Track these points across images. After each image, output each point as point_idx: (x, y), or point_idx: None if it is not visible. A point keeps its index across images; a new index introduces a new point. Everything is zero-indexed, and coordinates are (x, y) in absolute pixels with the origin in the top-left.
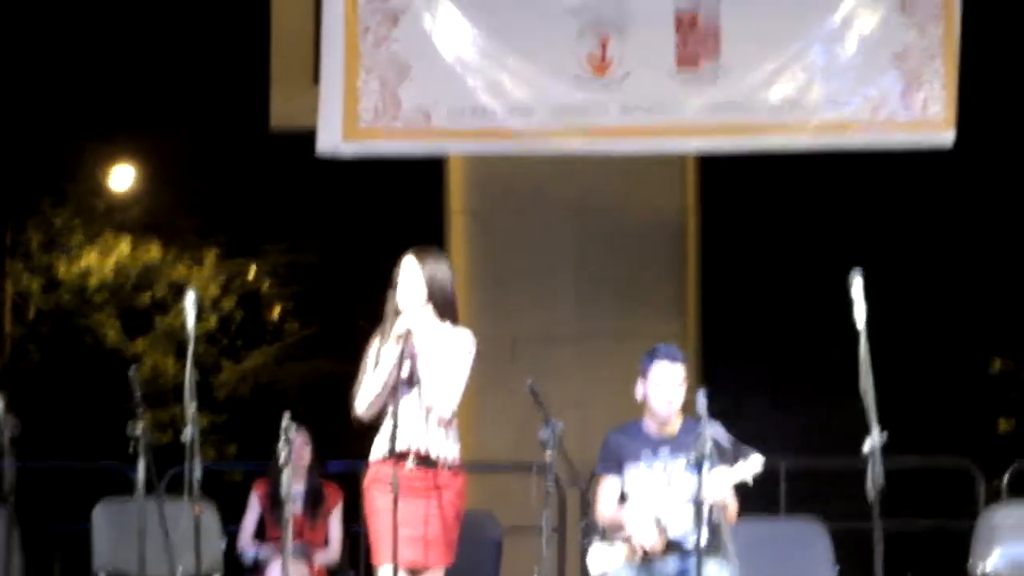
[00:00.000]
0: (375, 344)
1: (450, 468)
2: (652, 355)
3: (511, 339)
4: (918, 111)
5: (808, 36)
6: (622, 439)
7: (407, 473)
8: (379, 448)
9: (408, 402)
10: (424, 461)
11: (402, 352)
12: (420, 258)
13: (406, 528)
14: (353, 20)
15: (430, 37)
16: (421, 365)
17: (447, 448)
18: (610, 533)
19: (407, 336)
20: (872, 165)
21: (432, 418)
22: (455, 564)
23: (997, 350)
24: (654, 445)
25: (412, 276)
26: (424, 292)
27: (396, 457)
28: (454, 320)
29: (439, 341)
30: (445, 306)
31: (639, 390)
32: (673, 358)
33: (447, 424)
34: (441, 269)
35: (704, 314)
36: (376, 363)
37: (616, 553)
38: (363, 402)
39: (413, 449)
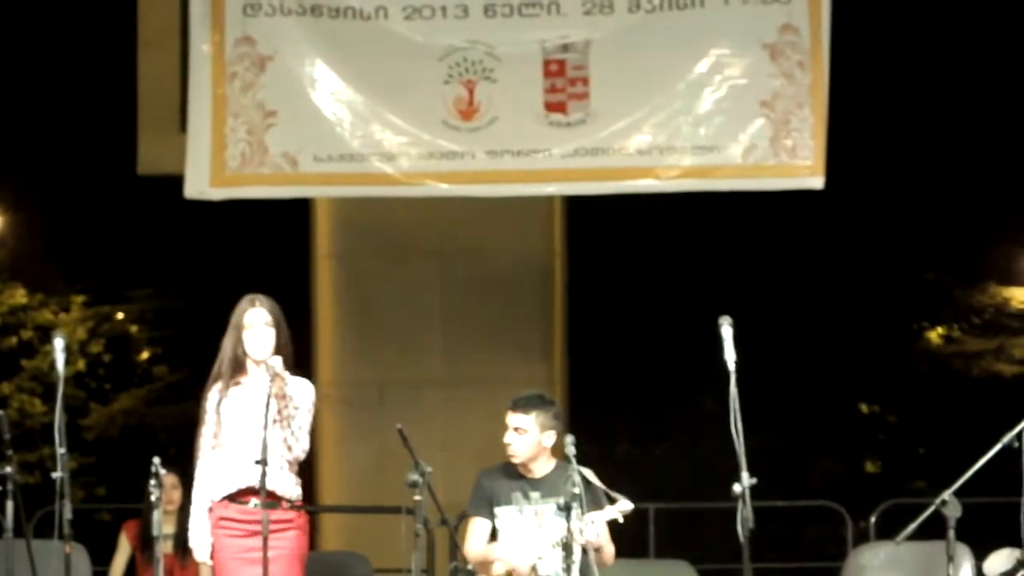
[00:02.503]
0: (215, 388)
1: (292, 506)
2: None
3: (378, 384)
4: (787, 157)
5: (677, 82)
6: (494, 481)
7: (251, 511)
8: (220, 487)
9: (267, 441)
10: (269, 500)
11: (270, 393)
12: (268, 308)
13: (252, 567)
14: (220, 65)
15: (297, 83)
16: (286, 406)
17: (291, 488)
18: (479, 571)
19: (275, 378)
20: (740, 208)
21: (289, 458)
22: None
23: (863, 394)
24: (525, 488)
25: (262, 325)
26: (273, 342)
27: (241, 496)
28: (291, 370)
29: (292, 387)
30: (288, 356)
31: None
32: (512, 406)
33: (292, 465)
34: (283, 320)
35: (571, 358)
36: (218, 409)
37: None
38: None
39: (259, 487)
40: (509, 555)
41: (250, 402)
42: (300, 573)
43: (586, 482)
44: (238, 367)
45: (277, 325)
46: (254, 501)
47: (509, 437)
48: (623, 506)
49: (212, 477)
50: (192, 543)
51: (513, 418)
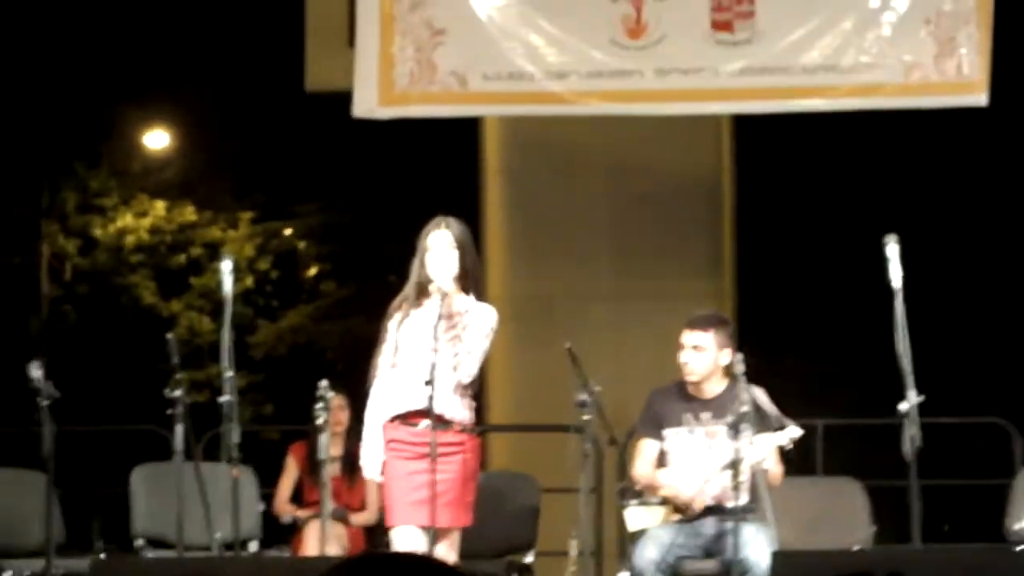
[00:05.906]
0: (400, 309)
1: (464, 430)
2: None
3: (547, 298)
4: (952, 74)
5: (842, 1)
6: (664, 402)
7: (420, 433)
8: (390, 409)
9: (435, 362)
10: (439, 422)
11: (440, 314)
12: (454, 231)
13: (421, 490)
14: None
15: (465, 1)
16: (454, 328)
17: (461, 411)
18: (646, 494)
19: (444, 298)
20: (908, 124)
21: (454, 380)
22: (493, 525)
23: None
24: (696, 409)
25: (445, 247)
26: (456, 265)
27: (411, 418)
28: (478, 295)
29: (466, 311)
30: (473, 281)
31: None
32: (690, 324)
33: (464, 389)
34: (471, 243)
35: (740, 274)
36: (404, 332)
37: (654, 513)
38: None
39: (427, 408)
40: (675, 483)
41: (428, 325)
42: (470, 496)
43: (755, 403)
44: (422, 290)
45: (462, 248)
46: (424, 423)
47: (686, 356)
48: (792, 432)
49: (385, 398)
50: (363, 460)
51: (691, 336)
